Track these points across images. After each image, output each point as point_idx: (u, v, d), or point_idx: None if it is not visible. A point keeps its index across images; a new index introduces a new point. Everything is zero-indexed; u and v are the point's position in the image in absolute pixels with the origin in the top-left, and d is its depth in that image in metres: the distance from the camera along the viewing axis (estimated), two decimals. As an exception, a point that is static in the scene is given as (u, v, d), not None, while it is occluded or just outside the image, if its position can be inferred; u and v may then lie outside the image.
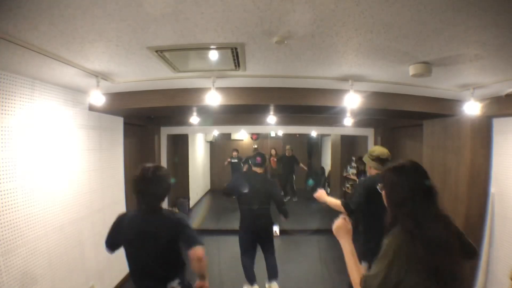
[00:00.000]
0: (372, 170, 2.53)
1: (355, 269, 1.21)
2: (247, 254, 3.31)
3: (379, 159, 2.45)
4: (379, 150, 2.51)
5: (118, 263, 3.41)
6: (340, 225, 1.35)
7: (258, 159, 3.31)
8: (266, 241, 3.33)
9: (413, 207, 1.11)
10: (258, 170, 3.30)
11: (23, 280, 2.02)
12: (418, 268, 1.02)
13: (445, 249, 1.06)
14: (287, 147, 8.33)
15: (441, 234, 1.08)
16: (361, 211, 2.40)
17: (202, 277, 1.72)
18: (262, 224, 3.26)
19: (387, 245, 1.10)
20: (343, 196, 6.97)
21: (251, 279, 3.30)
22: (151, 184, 1.61)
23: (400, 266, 1.03)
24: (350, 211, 2.32)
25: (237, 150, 8.59)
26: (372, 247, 1.35)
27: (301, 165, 8.26)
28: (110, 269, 3.23)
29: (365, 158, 2.56)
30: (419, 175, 1.18)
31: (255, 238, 3.30)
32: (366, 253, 2.13)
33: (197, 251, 1.61)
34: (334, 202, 2.46)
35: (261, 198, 3.20)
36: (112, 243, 1.75)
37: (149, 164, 1.67)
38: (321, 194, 2.53)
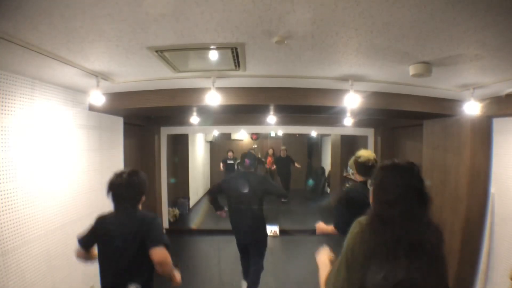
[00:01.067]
0: (357, 176, 2.27)
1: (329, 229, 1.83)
2: (242, 255, 3.27)
3: (363, 166, 2.16)
4: (366, 155, 2.20)
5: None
6: (323, 254, 1.49)
7: (247, 161, 3.08)
8: (253, 248, 3.13)
9: (401, 209, 1.05)
10: (248, 171, 3.09)
11: (23, 280, 2.02)
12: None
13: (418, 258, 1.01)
14: (282, 147, 8.25)
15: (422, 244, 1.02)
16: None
17: (170, 278, 1.72)
18: (250, 228, 3.01)
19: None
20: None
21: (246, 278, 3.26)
22: (122, 187, 1.69)
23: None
24: (342, 232, 2.14)
25: (232, 151, 8.33)
26: None
27: (296, 164, 8.18)
28: (110, 269, 3.23)
29: (351, 164, 2.30)
30: (414, 176, 1.11)
31: (246, 245, 3.16)
32: None
33: (156, 254, 1.57)
34: (331, 229, 2.24)
35: (252, 198, 2.96)
36: (85, 242, 1.79)
37: (125, 169, 1.77)
38: (321, 226, 2.37)
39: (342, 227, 2.14)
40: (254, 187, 2.97)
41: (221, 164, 8.18)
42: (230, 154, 8.20)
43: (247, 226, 3.01)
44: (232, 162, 8.02)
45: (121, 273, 1.64)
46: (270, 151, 8.55)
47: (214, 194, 3.27)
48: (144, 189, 1.78)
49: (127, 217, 1.69)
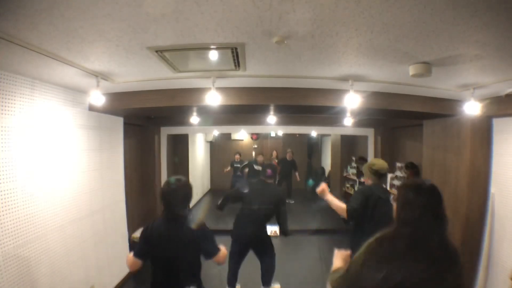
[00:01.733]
0: (368, 180, 2.58)
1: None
2: (234, 260, 3.20)
3: (378, 174, 2.50)
4: (380, 164, 2.53)
5: (118, 264, 3.42)
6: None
7: (269, 171, 3.17)
8: (262, 250, 3.22)
9: (417, 227, 1.11)
10: (268, 181, 3.18)
11: (23, 280, 2.02)
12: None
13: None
14: (288, 150, 8.07)
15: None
16: (357, 216, 2.39)
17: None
18: (259, 236, 3.13)
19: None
20: (343, 196, 6.97)
21: (231, 283, 3.23)
22: (175, 196, 1.78)
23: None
24: (350, 217, 2.34)
25: (239, 154, 8.16)
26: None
27: (297, 174, 8.01)
28: (110, 269, 3.23)
29: (365, 169, 2.60)
30: (434, 198, 1.21)
31: (247, 248, 3.19)
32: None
33: (218, 260, 1.86)
34: (337, 204, 2.41)
35: (265, 210, 3.06)
36: (142, 253, 1.81)
37: (174, 178, 1.82)
38: (323, 189, 2.44)
39: (351, 210, 2.34)
40: (271, 199, 3.08)
41: (227, 168, 8.08)
42: (237, 156, 8.01)
43: (253, 229, 3.08)
44: (238, 165, 7.79)
45: (177, 278, 1.75)
46: (274, 154, 8.38)
47: (228, 202, 3.30)
48: (191, 197, 1.91)
49: (180, 224, 1.79)
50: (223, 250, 1.89)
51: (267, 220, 3.17)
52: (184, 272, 1.76)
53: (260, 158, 7.41)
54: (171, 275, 1.76)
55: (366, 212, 2.34)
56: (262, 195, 3.08)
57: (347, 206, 2.35)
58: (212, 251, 1.82)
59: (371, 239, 1.13)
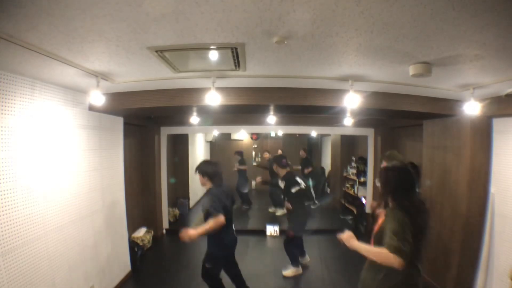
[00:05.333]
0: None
1: (372, 251, 1.64)
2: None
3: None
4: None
5: (118, 264, 3.42)
6: (348, 236, 1.79)
7: (283, 161, 3.75)
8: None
9: (402, 194, 1.72)
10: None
11: (23, 280, 2.02)
12: (412, 229, 1.57)
13: (424, 217, 1.73)
14: (265, 152, 7.48)
15: (422, 209, 1.74)
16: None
17: None
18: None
19: (397, 217, 1.60)
20: (343, 196, 6.97)
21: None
22: (220, 170, 2.71)
23: (408, 229, 1.56)
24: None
25: (268, 152, 7.50)
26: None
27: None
28: (110, 269, 3.24)
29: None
30: (407, 173, 1.80)
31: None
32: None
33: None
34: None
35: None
36: (225, 211, 2.46)
37: (210, 159, 2.34)
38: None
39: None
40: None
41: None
42: (266, 155, 7.38)
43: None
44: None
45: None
46: (266, 156, 7.50)
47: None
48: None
49: (226, 188, 2.71)
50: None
51: None
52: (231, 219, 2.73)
53: (266, 155, 7.40)
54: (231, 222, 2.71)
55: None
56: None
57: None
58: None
59: (399, 212, 1.63)
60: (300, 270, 3.81)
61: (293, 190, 3.62)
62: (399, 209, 1.64)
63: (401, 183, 1.76)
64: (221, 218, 2.39)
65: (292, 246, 3.80)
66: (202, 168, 2.70)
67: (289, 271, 3.77)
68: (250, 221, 6.37)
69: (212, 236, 2.58)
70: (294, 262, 3.80)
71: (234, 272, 2.99)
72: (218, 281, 2.82)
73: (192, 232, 2.35)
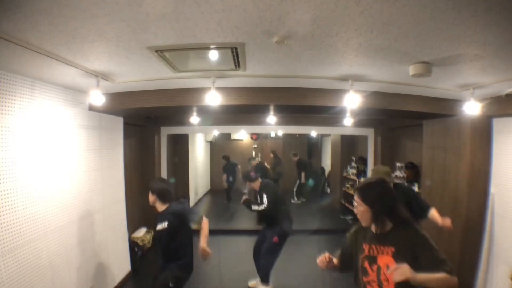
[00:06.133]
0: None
1: (440, 279, 1.33)
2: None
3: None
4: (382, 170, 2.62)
5: (118, 264, 3.42)
6: (402, 270, 1.31)
7: (251, 174, 3.61)
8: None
9: (399, 206, 1.51)
10: None
11: (23, 280, 2.02)
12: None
13: None
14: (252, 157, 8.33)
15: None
16: None
17: None
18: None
19: (425, 236, 1.43)
20: (343, 196, 6.97)
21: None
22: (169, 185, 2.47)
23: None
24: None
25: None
26: None
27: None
28: (110, 269, 3.23)
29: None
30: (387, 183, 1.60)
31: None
32: None
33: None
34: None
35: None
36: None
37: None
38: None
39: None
40: None
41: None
42: (271, 155, 8.51)
43: None
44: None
45: None
46: (253, 163, 8.41)
47: None
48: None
49: (180, 207, 2.49)
50: None
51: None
52: None
53: (271, 155, 8.30)
54: None
55: None
56: None
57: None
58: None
59: (421, 231, 1.48)
60: None
61: (265, 201, 3.37)
62: (409, 227, 1.44)
63: (391, 196, 1.50)
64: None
65: (271, 258, 3.38)
66: (152, 186, 2.37)
67: (254, 282, 3.47)
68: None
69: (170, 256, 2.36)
70: (265, 278, 3.37)
71: None
72: None
73: (206, 249, 2.26)
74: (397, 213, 1.47)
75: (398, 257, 1.40)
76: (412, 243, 1.41)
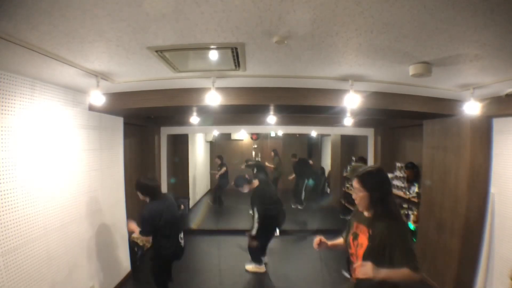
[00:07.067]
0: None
1: (402, 275, 1.44)
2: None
3: None
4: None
5: (118, 264, 3.42)
6: (365, 268, 1.45)
7: (245, 177, 3.92)
8: None
9: (391, 197, 1.62)
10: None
11: (23, 280, 2.02)
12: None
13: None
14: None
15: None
16: None
17: None
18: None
19: (400, 231, 1.52)
20: (343, 196, 6.97)
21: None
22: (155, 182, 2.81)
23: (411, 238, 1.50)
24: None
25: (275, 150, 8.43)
26: None
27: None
28: (110, 269, 3.23)
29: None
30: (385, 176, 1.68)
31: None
32: None
33: None
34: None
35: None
36: (165, 224, 2.64)
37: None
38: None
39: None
40: None
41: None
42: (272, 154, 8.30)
43: None
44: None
45: None
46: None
47: None
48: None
49: (168, 200, 2.80)
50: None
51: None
52: None
53: (272, 155, 8.18)
54: None
55: None
56: None
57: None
58: None
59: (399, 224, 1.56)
60: (263, 268, 3.87)
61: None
62: (390, 218, 1.52)
63: (389, 185, 1.64)
64: (148, 239, 2.64)
65: (254, 247, 3.85)
66: (138, 185, 2.67)
67: (251, 266, 3.90)
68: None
69: (153, 246, 2.74)
70: (256, 259, 3.90)
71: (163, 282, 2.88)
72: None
73: (133, 226, 2.66)
74: (388, 201, 1.58)
75: (372, 241, 1.55)
76: (384, 233, 1.51)
